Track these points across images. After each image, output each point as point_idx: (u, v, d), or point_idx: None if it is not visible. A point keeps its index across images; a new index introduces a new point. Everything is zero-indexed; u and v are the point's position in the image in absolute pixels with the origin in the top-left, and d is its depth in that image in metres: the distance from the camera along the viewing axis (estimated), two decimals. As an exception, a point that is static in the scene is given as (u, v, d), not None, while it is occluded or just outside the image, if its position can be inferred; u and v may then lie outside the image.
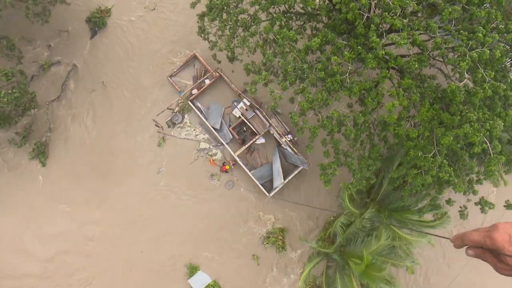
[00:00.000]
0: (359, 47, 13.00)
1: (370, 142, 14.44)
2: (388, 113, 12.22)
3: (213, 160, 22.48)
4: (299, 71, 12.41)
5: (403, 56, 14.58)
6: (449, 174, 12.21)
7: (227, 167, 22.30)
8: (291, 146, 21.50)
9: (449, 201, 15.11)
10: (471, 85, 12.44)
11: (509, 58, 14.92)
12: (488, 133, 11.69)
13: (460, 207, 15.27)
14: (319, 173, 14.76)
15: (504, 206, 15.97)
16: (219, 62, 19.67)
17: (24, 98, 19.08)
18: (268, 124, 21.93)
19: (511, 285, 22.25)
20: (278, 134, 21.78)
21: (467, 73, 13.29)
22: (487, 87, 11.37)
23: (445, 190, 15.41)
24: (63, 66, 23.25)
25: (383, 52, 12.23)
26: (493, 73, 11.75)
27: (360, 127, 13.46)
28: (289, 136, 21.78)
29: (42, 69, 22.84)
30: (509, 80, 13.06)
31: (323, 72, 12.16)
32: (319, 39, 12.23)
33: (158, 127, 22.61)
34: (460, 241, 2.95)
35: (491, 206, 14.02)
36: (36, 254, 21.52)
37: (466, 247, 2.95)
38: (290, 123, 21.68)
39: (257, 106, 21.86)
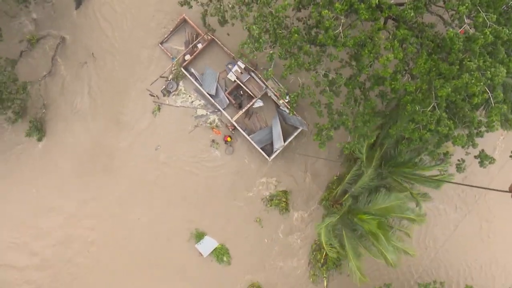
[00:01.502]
0: (351, -3, 12.17)
1: (365, 98, 13.88)
2: (383, 68, 11.59)
3: (216, 128, 22.11)
4: (275, 34, 11.95)
5: (400, 4, 13.69)
6: (448, 127, 11.73)
7: (229, 139, 21.95)
8: (289, 107, 20.95)
9: (446, 154, 14.71)
10: (471, 31, 11.67)
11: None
12: (489, 81, 11.06)
13: (458, 160, 14.86)
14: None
15: (510, 156, 15.56)
16: (214, 30, 19.00)
17: (10, 82, 18.75)
18: (264, 86, 21.33)
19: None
20: (276, 96, 21.22)
21: (468, 18, 12.47)
22: (488, 32, 10.62)
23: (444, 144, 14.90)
24: (51, 39, 22.52)
25: (377, 1, 11.41)
26: (495, 16, 10.94)
27: (352, 83, 12.90)
28: (287, 97, 21.17)
29: (30, 44, 22.19)
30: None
31: (296, 35, 11.57)
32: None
33: (153, 96, 22.17)
34: None
35: (492, 161, 13.58)
36: (37, 229, 21.93)
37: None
38: (291, 86, 20.99)
39: (252, 69, 21.17)
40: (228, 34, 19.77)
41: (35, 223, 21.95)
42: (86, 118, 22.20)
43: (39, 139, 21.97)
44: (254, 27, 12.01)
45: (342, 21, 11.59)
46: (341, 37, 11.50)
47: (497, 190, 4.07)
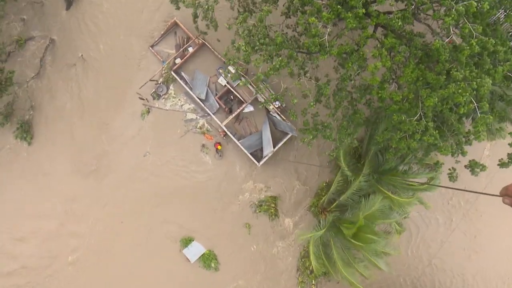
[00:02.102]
0: (338, 6, 12.14)
1: (353, 108, 13.85)
2: (371, 76, 11.53)
3: (207, 133, 21.92)
4: (258, 43, 11.99)
5: (389, 13, 13.68)
6: (434, 137, 11.68)
7: (219, 147, 21.79)
8: (279, 113, 20.90)
9: (437, 163, 14.67)
10: (458, 41, 11.68)
11: (502, 9, 13.99)
12: (475, 92, 11.05)
13: (449, 169, 14.81)
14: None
15: (498, 164, 15.56)
16: (206, 33, 18.92)
17: None
18: (254, 91, 21.21)
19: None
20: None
21: (456, 28, 12.48)
22: (474, 43, 10.61)
23: (434, 153, 14.91)
24: (40, 40, 22.29)
25: (364, 11, 11.38)
26: (481, 27, 10.94)
27: (340, 94, 12.88)
28: (277, 102, 21.10)
29: (18, 45, 21.91)
30: (499, 34, 12.24)
31: (280, 38, 11.53)
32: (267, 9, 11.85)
33: (143, 99, 21.97)
34: (505, 191, 3.25)
35: (483, 168, 13.53)
36: (21, 232, 21.56)
37: (504, 196, 3.26)
38: (277, 90, 20.96)
39: (243, 74, 21.02)
40: (219, 40, 19.69)
41: (19, 225, 21.58)
42: (74, 121, 21.93)
43: (28, 142, 21.70)
44: (243, 45, 12.22)
45: (329, 30, 11.53)
46: (326, 45, 11.45)
47: (488, 194, 4.13)
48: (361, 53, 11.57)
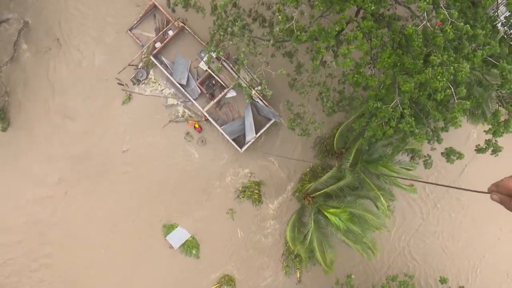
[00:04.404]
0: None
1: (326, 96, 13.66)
2: (343, 59, 11.16)
3: (190, 119, 21.55)
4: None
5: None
6: (409, 124, 11.45)
7: (196, 125, 21.43)
8: (261, 98, 20.52)
9: (413, 150, 14.53)
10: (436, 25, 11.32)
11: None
12: (452, 77, 10.76)
13: (425, 156, 14.71)
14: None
15: (475, 150, 15.49)
16: (186, 20, 18.51)
17: None
18: (236, 76, 20.76)
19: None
20: (248, 86, 20.66)
21: (436, 12, 12.11)
22: (449, 30, 10.26)
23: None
24: (14, 23, 21.47)
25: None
26: (456, 13, 10.58)
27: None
28: (259, 87, 20.67)
29: (-10, 29, 21.13)
30: (479, 17, 11.88)
31: (237, 27, 11.27)
32: None
33: (122, 85, 21.43)
34: (494, 187, 3.07)
35: (459, 156, 13.42)
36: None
37: (492, 192, 3.07)
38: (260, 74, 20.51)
39: (224, 58, 20.54)
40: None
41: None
42: (51, 107, 21.34)
43: (3, 129, 21.14)
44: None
45: (294, 14, 11.11)
46: (295, 30, 11.03)
47: (477, 191, 3.81)
48: (329, 30, 11.07)
